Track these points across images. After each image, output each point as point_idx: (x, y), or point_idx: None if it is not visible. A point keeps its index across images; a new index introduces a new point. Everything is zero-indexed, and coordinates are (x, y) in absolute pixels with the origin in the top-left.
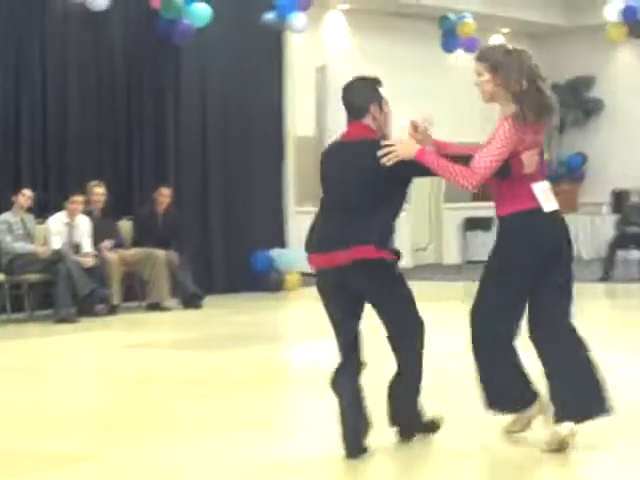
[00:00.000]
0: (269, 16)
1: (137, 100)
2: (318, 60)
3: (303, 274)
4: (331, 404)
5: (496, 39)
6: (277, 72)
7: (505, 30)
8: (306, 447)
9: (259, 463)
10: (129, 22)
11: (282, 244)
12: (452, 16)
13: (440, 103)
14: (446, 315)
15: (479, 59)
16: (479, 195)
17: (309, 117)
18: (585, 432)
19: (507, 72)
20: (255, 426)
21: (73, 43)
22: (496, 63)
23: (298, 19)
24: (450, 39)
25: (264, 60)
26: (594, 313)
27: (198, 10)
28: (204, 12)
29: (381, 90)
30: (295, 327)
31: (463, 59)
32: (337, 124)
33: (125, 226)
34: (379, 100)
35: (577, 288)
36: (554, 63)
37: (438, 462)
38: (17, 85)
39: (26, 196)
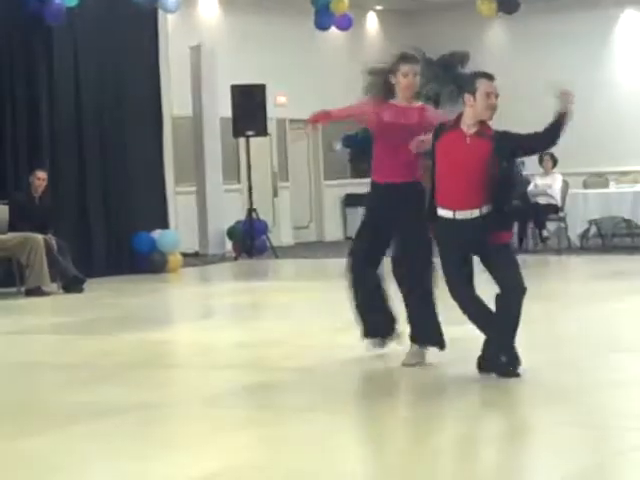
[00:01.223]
0: None
1: (8, 82)
2: (193, 40)
3: (184, 255)
4: (214, 385)
5: (370, 17)
6: (152, 52)
7: (378, 7)
8: (187, 427)
9: (141, 447)
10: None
11: (163, 225)
12: None
13: (315, 80)
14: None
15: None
16: (358, 171)
17: (186, 97)
18: None
19: None
20: (139, 409)
21: None
22: None
23: None
24: (323, 17)
25: (138, 40)
26: None
27: None
28: None
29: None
30: (178, 309)
31: (337, 36)
32: (213, 103)
33: (0, 210)
34: None
35: None
36: (427, 39)
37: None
38: None
39: None
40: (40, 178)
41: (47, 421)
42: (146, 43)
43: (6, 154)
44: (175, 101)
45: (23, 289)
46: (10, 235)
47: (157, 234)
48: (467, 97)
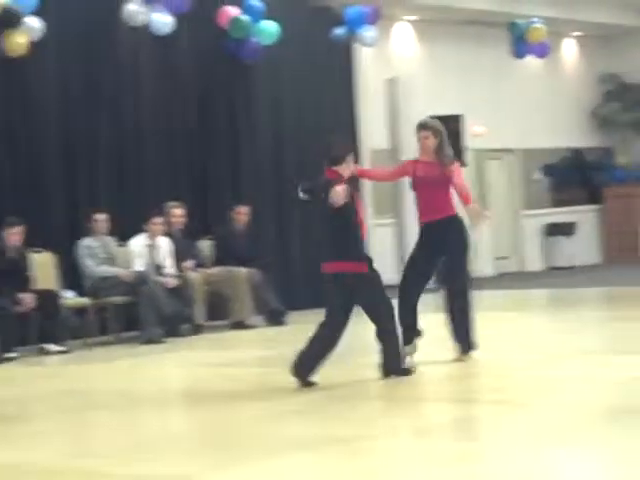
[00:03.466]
0: (339, 31)
1: (210, 120)
2: (388, 72)
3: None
4: (422, 417)
5: (567, 43)
6: (348, 86)
7: (576, 33)
8: (393, 460)
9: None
10: (198, 44)
11: None
12: (521, 22)
13: (513, 109)
14: (529, 324)
15: None
16: (559, 201)
17: (382, 130)
18: None
19: None
20: (344, 442)
21: (144, 68)
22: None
23: (368, 32)
24: (520, 45)
25: (335, 75)
26: None
27: (266, 28)
28: (272, 30)
29: None
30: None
31: (534, 64)
32: (410, 135)
33: (205, 246)
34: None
35: None
36: (626, 64)
37: None
38: (92, 111)
39: (99, 220)
40: (242, 213)
41: (249, 452)
42: (342, 77)
43: (209, 190)
44: (372, 134)
45: (228, 322)
46: (216, 269)
47: None
48: None
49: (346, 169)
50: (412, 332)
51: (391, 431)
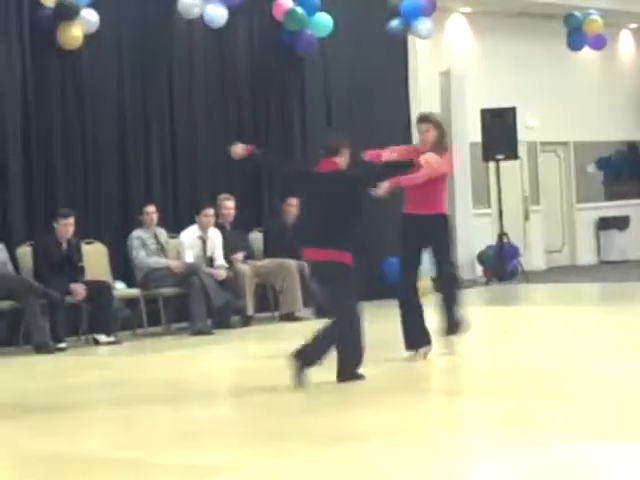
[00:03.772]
0: (394, 23)
1: (263, 112)
2: (442, 65)
3: (435, 280)
4: (464, 412)
5: (624, 35)
6: (402, 79)
7: (633, 25)
8: (429, 454)
9: (389, 473)
10: (253, 36)
11: None
12: (578, 13)
13: (567, 102)
14: (579, 318)
15: None
16: (613, 194)
17: None
18: None
19: None
20: (384, 434)
21: (199, 60)
22: None
23: (423, 25)
24: (576, 37)
25: (388, 67)
26: None
27: (321, 20)
28: (327, 22)
29: None
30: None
31: (590, 56)
32: (462, 127)
33: (255, 238)
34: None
35: None
36: None
37: None
38: (145, 102)
39: (150, 212)
40: (293, 205)
41: (295, 445)
42: (396, 70)
43: (261, 182)
44: None
45: (277, 314)
46: (265, 261)
47: None
48: None
49: (343, 160)
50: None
51: (435, 424)
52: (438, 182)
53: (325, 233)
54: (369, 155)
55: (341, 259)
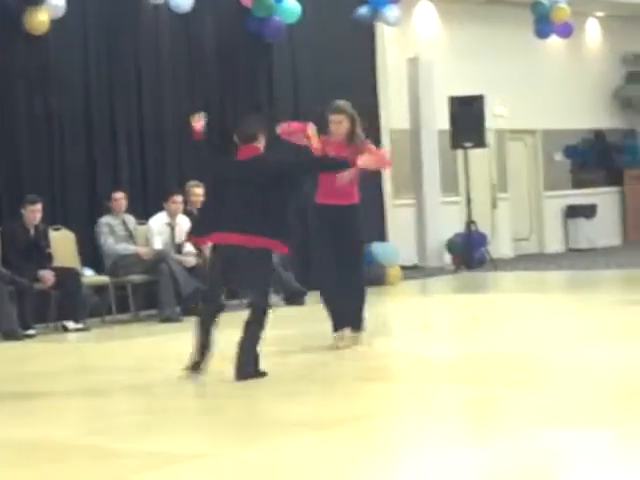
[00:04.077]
0: (362, 10)
1: (231, 98)
2: (409, 52)
3: (403, 267)
4: (431, 399)
5: (591, 23)
6: (369, 66)
7: (599, 14)
8: (398, 440)
9: (359, 460)
10: (220, 21)
11: (382, 238)
12: (545, 1)
13: (535, 90)
14: (546, 306)
15: None
16: (580, 182)
17: (403, 110)
18: None
19: None
20: (354, 422)
21: (165, 45)
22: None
23: (392, 12)
24: (544, 25)
25: (356, 54)
26: None
27: (289, 7)
28: (294, 8)
29: None
30: (398, 321)
31: (558, 44)
32: (431, 115)
33: None
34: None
35: None
36: None
37: None
38: (111, 88)
39: (118, 199)
40: None
41: (270, 431)
42: (363, 57)
43: None
44: (393, 114)
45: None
46: None
47: (376, 247)
48: None
49: (260, 146)
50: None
51: (399, 411)
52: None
53: (251, 220)
54: (289, 127)
55: (270, 246)
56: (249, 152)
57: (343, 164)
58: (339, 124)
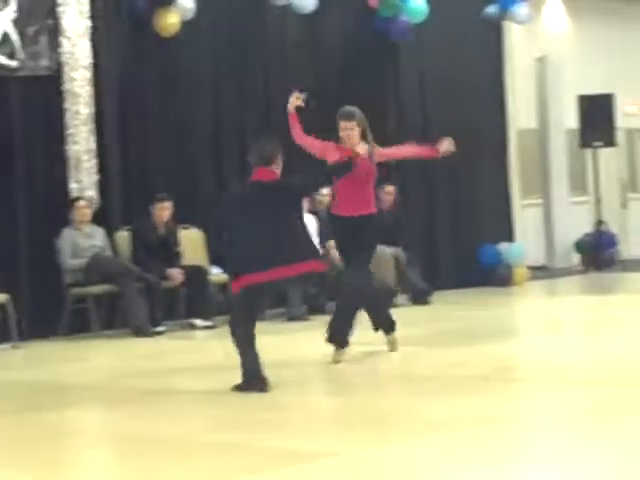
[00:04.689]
0: (491, 9)
1: (357, 99)
2: (537, 51)
3: (531, 268)
4: (561, 401)
5: None
6: (497, 65)
7: None
8: (531, 442)
9: (490, 462)
10: (346, 22)
11: (509, 238)
12: None
13: None
14: None
15: None
16: None
17: (530, 109)
18: None
19: None
20: (484, 423)
21: (291, 45)
22: None
23: (521, 10)
24: None
25: (483, 53)
26: None
27: (415, 6)
28: (421, 8)
29: None
30: (525, 322)
31: None
32: (559, 114)
33: None
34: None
35: None
36: None
37: None
38: (240, 88)
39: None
40: (388, 192)
41: (400, 431)
42: (491, 56)
43: None
44: (520, 114)
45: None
46: None
47: (503, 247)
48: None
49: (276, 169)
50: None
51: (529, 412)
52: (371, 182)
53: (289, 245)
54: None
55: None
56: (266, 175)
57: (348, 165)
58: (351, 130)
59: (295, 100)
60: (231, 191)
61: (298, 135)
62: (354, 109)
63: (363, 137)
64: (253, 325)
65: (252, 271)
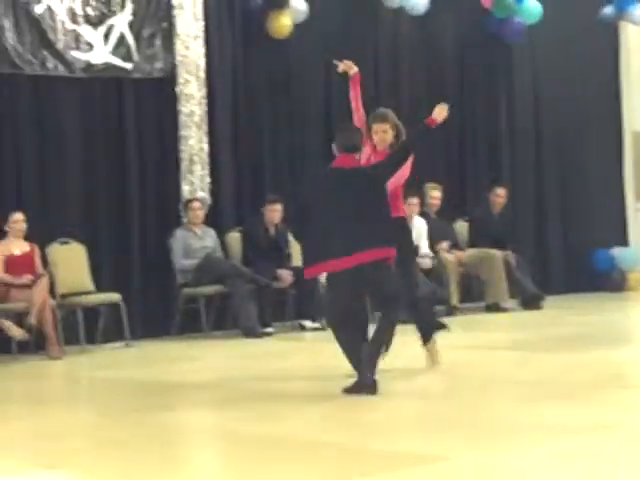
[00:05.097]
0: (607, 9)
1: (469, 100)
2: None
3: None
4: None
5: None
6: (612, 66)
7: None
8: None
9: (602, 470)
10: (459, 23)
11: (623, 242)
12: None
13: None
14: None
15: None
16: None
17: None
18: None
19: None
20: (599, 430)
21: (404, 48)
22: None
23: (638, 11)
24: None
25: (598, 55)
26: None
27: (530, 7)
28: (535, 9)
29: None
30: (638, 328)
31: None
32: None
33: (460, 227)
34: None
35: None
36: None
37: None
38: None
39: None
40: (499, 195)
41: (507, 436)
42: (606, 58)
43: (466, 171)
44: (636, 116)
45: (482, 305)
46: (470, 251)
47: (616, 251)
48: None
49: (359, 158)
50: None
51: None
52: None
53: (365, 232)
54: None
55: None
56: (350, 162)
57: (424, 132)
58: (384, 133)
59: (345, 67)
60: (316, 174)
61: (356, 97)
62: (387, 111)
63: (397, 140)
64: (353, 326)
65: (324, 259)
